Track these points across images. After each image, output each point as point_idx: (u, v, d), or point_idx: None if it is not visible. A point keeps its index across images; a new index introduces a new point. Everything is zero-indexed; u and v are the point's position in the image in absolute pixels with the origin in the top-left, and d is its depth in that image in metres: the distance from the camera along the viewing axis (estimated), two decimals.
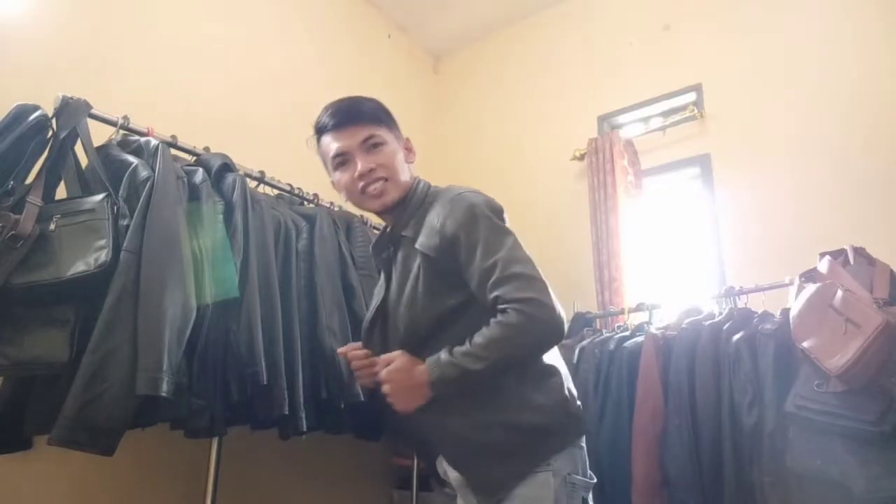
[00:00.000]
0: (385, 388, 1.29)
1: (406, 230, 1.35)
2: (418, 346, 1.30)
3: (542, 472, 1.22)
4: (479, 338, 1.21)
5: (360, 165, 1.33)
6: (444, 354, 1.23)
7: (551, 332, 1.21)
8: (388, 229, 1.44)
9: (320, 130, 1.41)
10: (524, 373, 1.28)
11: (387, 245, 1.44)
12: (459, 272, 1.26)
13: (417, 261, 1.30)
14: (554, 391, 1.30)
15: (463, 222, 1.25)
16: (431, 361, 1.24)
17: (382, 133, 1.37)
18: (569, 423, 1.29)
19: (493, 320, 1.20)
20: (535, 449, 1.25)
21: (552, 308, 1.19)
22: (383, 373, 1.29)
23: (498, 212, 1.31)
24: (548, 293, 1.20)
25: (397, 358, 1.29)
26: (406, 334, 1.32)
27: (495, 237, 1.24)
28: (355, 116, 1.36)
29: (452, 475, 1.34)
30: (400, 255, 1.37)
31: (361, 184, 1.34)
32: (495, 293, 1.20)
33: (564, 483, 1.24)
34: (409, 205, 1.37)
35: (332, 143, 1.37)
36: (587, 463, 1.31)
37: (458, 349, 1.22)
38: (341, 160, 1.36)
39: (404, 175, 1.38)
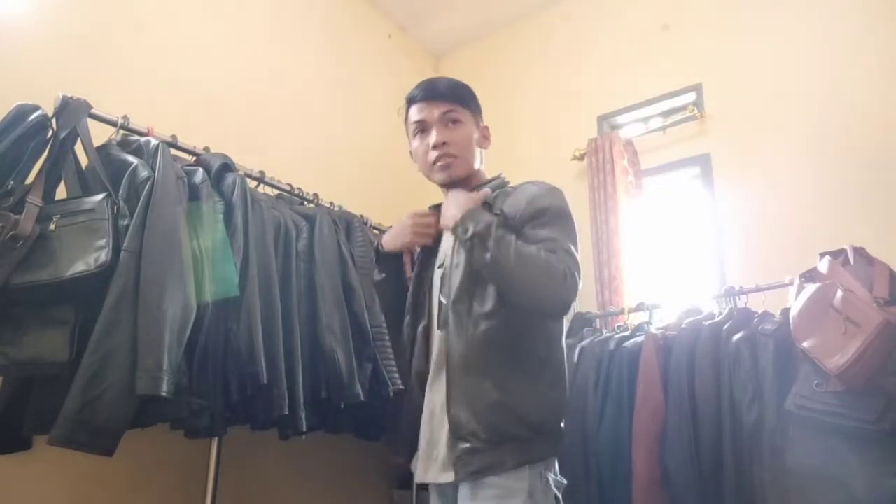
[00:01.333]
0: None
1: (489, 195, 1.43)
2: (470, 295, 1.34)
3: (519, 468, 1.26)
4: (523, 244, 1.26)
5: (434, 136, 1.44)
6: (490, 216, 1.30)
7: (564, 296, 1.26)
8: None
9: (409, 101, 1.51)
10: (548, 376, 1.34)
11: None
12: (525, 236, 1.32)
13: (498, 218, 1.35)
14: (563, 402, 1.38)
15: (552, 204, 1.35)
16: (475, 211, 1.32)
17: (462, 112, 1.46)
18: (559, 433, 1.36)
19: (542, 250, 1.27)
20: (530, 449, 1.28)
21: (574, 290, 1.26)
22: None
23: (574, 222, 1.40)
24: (577, 289, 1.27)
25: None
26: (462, 285, 1.35)
27: (572, 231, 1.35)
28: (442, 91, 1.47)
29: (432, 471, 1.34)
30: None
31: (434, 154, 1.44)
32: (549, 250, 1.27)
33: (540, 477, 1.27)
34: (491, 184, 1.47)
35: (415, 112, 1.48)
36: (557, 465, 1.36)
37: (502, 228, 1.28)
38: (419, 127, 1.47)
39: (474, 156, 1.48)
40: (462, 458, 1.27)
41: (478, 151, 1.50)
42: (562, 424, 1.37)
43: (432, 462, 1.35)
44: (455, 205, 1.36)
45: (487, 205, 1.40)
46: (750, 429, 1.81)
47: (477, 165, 1.50)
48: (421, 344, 1.46)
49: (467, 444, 1.27)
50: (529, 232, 1.31)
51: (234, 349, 1.71)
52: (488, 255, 1.25)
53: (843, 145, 2.53)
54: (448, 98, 1.46)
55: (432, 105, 1.45)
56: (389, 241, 1.52)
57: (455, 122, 1.45)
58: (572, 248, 1.32)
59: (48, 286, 1.45)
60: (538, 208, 1.34)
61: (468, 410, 1.28)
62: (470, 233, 1.28)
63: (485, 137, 1.53)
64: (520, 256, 1.24)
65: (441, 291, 1.42)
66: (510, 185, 1.50)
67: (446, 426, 1.32)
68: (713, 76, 2.95)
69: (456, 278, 1.36)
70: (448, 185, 1.47)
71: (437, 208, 1.52)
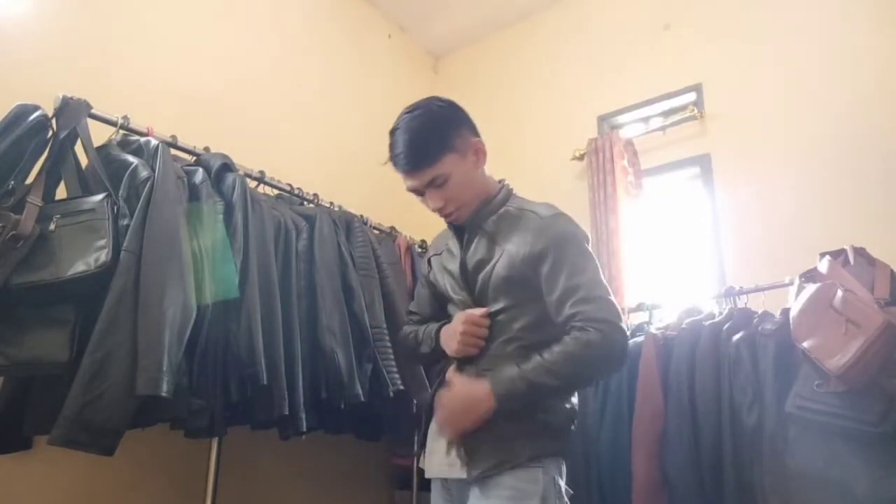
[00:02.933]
0: (442, 404, 1.33)
1: (486, 224, 1.43)
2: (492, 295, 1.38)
3: (533, 469, 1.27)
4: (552, 354, 1.26)
5: (430, 204, 1.43)
6: (509, 370, 1.27)
7: (621, 355, 1.29)
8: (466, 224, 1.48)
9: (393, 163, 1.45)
10: None
11: (461, 230, 1.49)
12: (533, 284, 1.34)
13: (497, 256, 1.38)
14: (576, 403, 1.40)
15: (555, 240, 1.34)
16: (496, 377, 1.28)
17: (445, 167, 1.38)
18: (570, 433, 1.38)
19: (569, 337, 1.26)
20: (541, 444, 1.29)
21: (625, 334, 1.29)
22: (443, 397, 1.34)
23: (586, 238, 1.40)
24: (622, 319, 1.29)
25: (456, 380, 1.35)
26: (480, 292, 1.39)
27: (583, 260, 1.34)
28: (416, 164, 1.39)
29: (438, 464, 1.37)
30: (473, 244, 1.44)
31: (437, 213, 1.46)
32: (577, 310, 1.27)
33: (553, 484, 1.29)
34: (491, 203, 1.45)
35: (404, 180, 1.45)
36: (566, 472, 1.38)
37: (525, 365, 1.26)
38: (415, 193, 1.46)
39: (475, 189, 1.44)
40: (475, 454, 1.29)
41: (476, 178, 1.45)
42: (572, 427, 1.38)
43: (436, 456, 1.38)
44: (456, 412, 1.31)
45: (485, 231, 1.42)
46: (750, 431, 1.80)
47: (482, 187, 1.46)
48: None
49: (477, 441, 1.29)
50: (547, 285, 1.32)
51: (233, 349, 1.71)
52: (538, 395, 1.27)
53: (843, 145, 2.53)
54: (426, 165, 1.38)
55: (415, 176, 1.40)
56: (443, 342, 1.46)
57: (442, 183, 1.39)
58: (596, 277, 1.32)
59: (48, 286, 1.45)
60: (545, 246, 1.33)
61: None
62: (507, 407, 1.26)
63: (477, 156, 1.45)
64: (563, 365, 1.25)
65: (456, 290, 1.46)
66: (510, 204, 1.46)
67: None
68: (713, 76, 2.94)
69: (474, 279, 1.40)
70: (464, 222, 1.47)
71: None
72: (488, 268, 1.39)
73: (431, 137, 1.39)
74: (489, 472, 1.27)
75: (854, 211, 2.43)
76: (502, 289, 1.36)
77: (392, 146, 1.43)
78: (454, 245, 1.51)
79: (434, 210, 1.44)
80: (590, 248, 1.39)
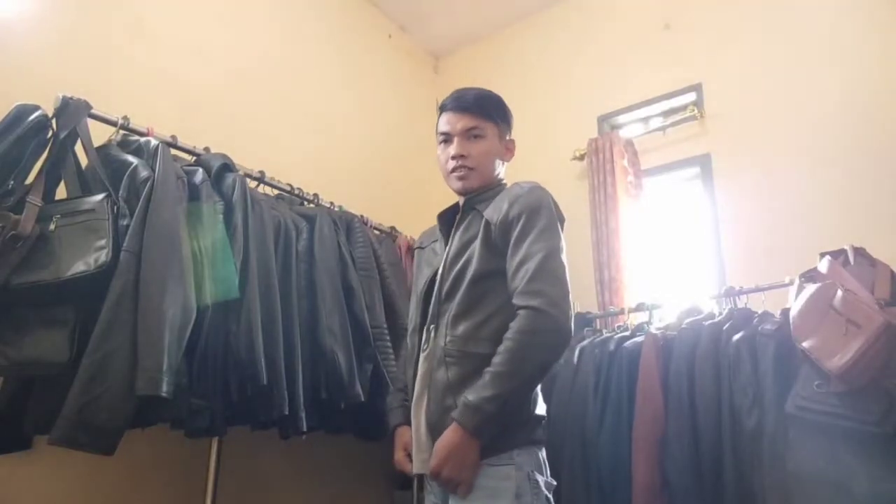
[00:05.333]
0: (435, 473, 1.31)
1: (479, 205, 1.50)
2: (464, 303, 1.39)
3: (504, 466, 1.28)
4: (499, 358, 1.28)
5: (454, 148, 1.51)
6: (467, 400, 1.27)
7: (557, 336, 1.30)
8: (461, 202, 1.57)
9: (440, 109, 1.58)
10: None
11: (454, 212, 1.57)
12: (504, 248, 1.38)
13: (480, 227, 1.44)
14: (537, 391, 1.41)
15: (529, 207, 1.39)
16: (460, 416, 1.27)
17: (486, 127, 1.52)
18: (534, 423, 1.37)
19: (508, 332, 1.29)
20: (509, 435, 1.30)
21: (563, 311, 1.29)
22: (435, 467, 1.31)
23: (560, 217, 1.45)
24: (566, 300, 1.31)
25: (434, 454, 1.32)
26: (452, 287, 1.42)
27: (550, 231, 1.38)
28: (469, 105, 1.52)
29: (419, 462, 1.39)
30: (465, 222, 1.51)
31: (452, 164, 1.51)
32: (518, 288, 1.31)
33: (528, 479, 1.28)
34: (488, 191, 1.53)
35: (442, 123, 1.55)
36: (547, 464, 1.38)
37: (480, 385, 1.27)
38: (444, 138, 1.54)
39: (492, 169, 1.54)
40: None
41: (498, 164, 1.56)
42: (538, 411, 1.38)
43: (419, 452, 1.40)
44: (456, 466, 1.28)
45: (477, 212, 1.48)
46: (750, 433, 1.80)
47: (496, 178, 1.56)
48: (415, 344, 1.53)
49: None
50: (509, 250, 1.37)
51: (234, 349, 1.71)
52: (508, 391, 1.27)
53: (843, 145, 2.53)
54: (473, 112, 1.51)
55: (458, 117, 1.51)
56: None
57: (477, 136, 1.51)
58: (553, 252, 1.35)
59: (48, 286, 1.45)
60: (513, 216, 1.39)
61: (437, 404, 1.34)
62: (488, 433, 1.27)
63: (508, 150, 1.59)
64: (511, 366, 1.27)
65: (433, 293, 1.49)
66: (500, 186, 1.56)
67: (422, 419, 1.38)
68: (713, 76, 2.94)
69: (446, 281, 1.43)
70: (462, 194, 1.55)
71: (446, 212, 1.59)
72: (465, 258, 1.43)
73: (495, 104, 1.57)
74: None
75: (854, 211, 2.43)
76: (469, 289, 1.40)
77: (457, 93, 1.56)
78: (440, 246, 1.57)
79: (453, 157, 1.50)
80: (561, 224, 1.44)
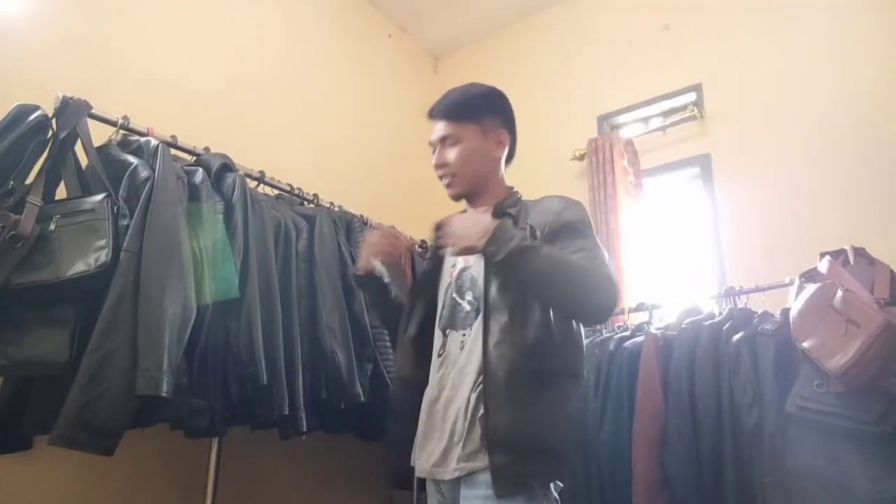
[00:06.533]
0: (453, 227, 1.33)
1: (511, 210, 1.45)
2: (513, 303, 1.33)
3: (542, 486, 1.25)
4: (561, 252, 1.27)
5: (435, 158, 1.50)
6: (521, 232, 1.29)
7: (608, 302, 1.27)
8: (483, 210, 1.51)
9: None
10: (573, 395, 1.32)
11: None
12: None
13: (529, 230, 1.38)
14: (580, 424, 1.40)
15: (580, 217, 1.38)
16: (507, 225, 1.29)
17: (460, 131, 1.47)
18: (570, 456, 1.36)
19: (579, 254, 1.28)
20: (548, 467, 1.27)
21: (617, 295, 1.29)
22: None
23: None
24: (618, 288, 1.31)
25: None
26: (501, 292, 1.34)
27: (596, 239, 1.37)
28: (440, 112, 1.50)
29: (428, 465, 1.34)
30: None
31: (437, 173, 1.51)
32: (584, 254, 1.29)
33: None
34: (511, 197, 1.50)
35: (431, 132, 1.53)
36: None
37: (534, 241, 1.29)
38: (432, 147, 1.52)
39: (478, 169, 1.49)
40: (498, 471, 1.22)
41: (486, 161, 1.50)
42: (575, 441, 1.40)
43: (425, 456, 1.35)
44: (467, 228, 1.31)
45: (509, 216, 1.42)
46: (750, 431, 1.80)
47: (489, 175, 1.51)
48: (412, 346, 1.47)
49: (502, 456, 1.23)
50: (563, 243, 1.32)
51: (234, 349, 1.71)
52: (531, 268, 1.24)
53: (843, 145, 2.53)
54: (446, 118, 1.48)
55: (435, 125, 1.50)
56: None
57: (452, 144, 1.47)
58: (607, 258, 1.33)
59: (48, 286, 1.45)
60: (566, 221, 1.35)
61: (507, 421, 1.24)
62: (507, 250, 1.23)
63: (498, 144, 1.51)
64: (563, 263, 1.26)
65: (462, 292, 1.42)
66: (524, 198, 1.51)
67: (445, 426, 1.32)
68: (713, 76, 2.95)
69: (492, 284, 1.35)
70: (455, 199, 1.53)
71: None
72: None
73: (473, 102, 1.50)
74: (508, 493, 1.22)
75: (854, 211, 2.43)
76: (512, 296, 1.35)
77: (440, 99, 1.54)
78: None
79: (434, 166, 1.50)
80: None
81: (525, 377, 1.27)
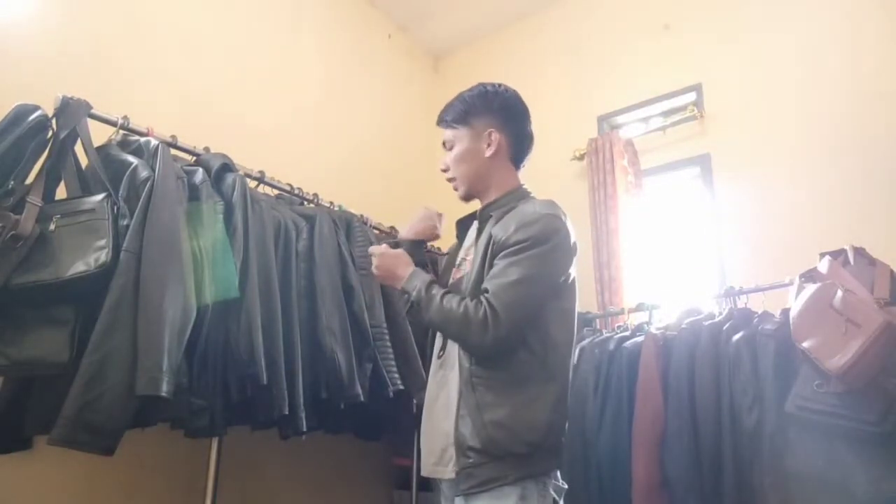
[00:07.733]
0: (375, 262, 1.51)
1: (495, 211, 1.48)
2: None
3: (513, 486, 1.26)
4: (448, 300, 1.34)
5: (441, 162, 1.57)
6: (426, 282, 1.40)
7: (479, 342, 1.30)
8: (480, 208, 1.58)
9: None
10: (551, 393, 1.32)
11: (472, 218, 1.60)
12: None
13: (489, 240, 1.42)
14: (564, 419, 1.36)
15: (529, 236, 1.34)
16: (417, 276, 1.42)
17: (456, 135, 1.53)
18: (561, 448, 1.35)
19: (469, 300, 1.33)
20: (531, 463, 1.28)
21: (496, 329, 1.27)
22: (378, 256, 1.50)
23: (566, 248, 1.38)
24: (512, 324, 1.28)
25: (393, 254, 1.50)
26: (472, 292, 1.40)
27: (543, 259, 1.33)
28: (440, 118, 1.57)
29: (430, 465, 1.39)
30: (485, 228, 1.47)
31: (445, 177, 1.57)
32: (489, 288, 1.32)
33: (535, 482, 1.28)
34: (503, 198, 1.51)
35: None
36: (558, 474, 1.36)
37: (437, 290, 1.38)
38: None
39: (472, 171, 1.52)
40: (465, 472, 1.28)
41: (480, 162, 1.50)
42: (563, 439, 1.37)
43: (428, 456, 1.41)
44: (388, 269, 1.49)
45: (492, 218, 1.46)
46: (750, 432, 1.80)
47: (486, 175, 1.51)
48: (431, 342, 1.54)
49: (469, 459, 1.27)
50: (497, 262, 1.35)
51: (233, 349, 1.70)
52: (425, 317, 1.38)
53: (843, 145, 2.53)
54: (445, 123, 1.55)
55: (443, 132, 1.56)
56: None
57: (451, 147, 1.54)
58: (525, 278, 1.30)
59: (48, 286, 1.45)
60: (511, 241, 1.34)
61: (472, 426, 1.29)
62: (410, 301, 1.41)
63: (489, 144, 1.49)
64: (446, 313, 1.33)
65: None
66: (522, 201, 1.47)
67: (441, 426, 1.36)
68: (713, 76, 2.95)
69: (466, 285, 1.40)
70: (465, 201, 1.58)
71: (465, 218, 1.63)
72: (465, 269, 1.47)
73: (457, 106, 1.54)
74: (477, 489, 1.26)
75: (854, 211, 2.43)
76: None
77: None
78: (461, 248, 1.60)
79: (441, 169, 1.57)
80: (558, 256, 1.37)
81: (483, 384, 1.31)
